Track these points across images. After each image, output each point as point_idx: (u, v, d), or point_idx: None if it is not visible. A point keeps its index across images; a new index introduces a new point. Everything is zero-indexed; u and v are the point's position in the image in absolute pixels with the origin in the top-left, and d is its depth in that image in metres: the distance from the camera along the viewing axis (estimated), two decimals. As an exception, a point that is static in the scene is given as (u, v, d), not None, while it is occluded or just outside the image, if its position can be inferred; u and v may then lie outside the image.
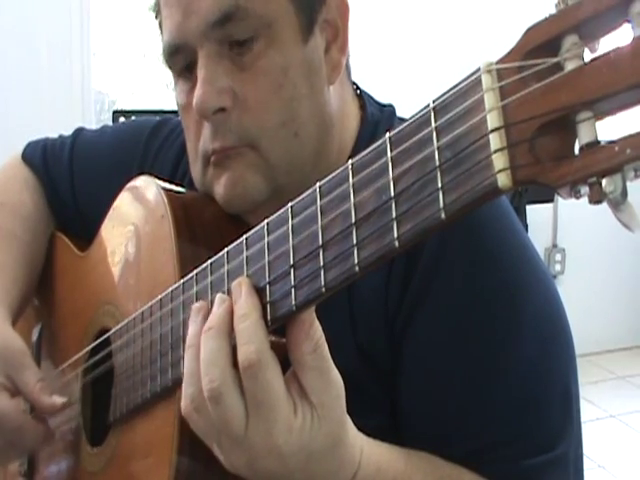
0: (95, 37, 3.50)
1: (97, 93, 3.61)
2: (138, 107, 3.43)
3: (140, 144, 1.03)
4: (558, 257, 3.95)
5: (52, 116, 3.33)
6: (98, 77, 3.58)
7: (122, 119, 2.54)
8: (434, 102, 0.47)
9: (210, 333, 0.61)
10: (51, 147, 1.12)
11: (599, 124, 0.40)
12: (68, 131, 1.15)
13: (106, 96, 3.77)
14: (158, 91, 3.71)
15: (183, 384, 0.64)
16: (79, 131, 1.14)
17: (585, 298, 3.77)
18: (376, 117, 0.87)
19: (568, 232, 3.99)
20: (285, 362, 0.75)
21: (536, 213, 3.44)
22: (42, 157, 1.11)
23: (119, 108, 3.38)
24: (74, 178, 1.08)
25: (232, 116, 0.77)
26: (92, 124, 3.54)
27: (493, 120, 0.42)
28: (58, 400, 0.88)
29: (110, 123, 2.56)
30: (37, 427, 0.90)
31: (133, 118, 2.51)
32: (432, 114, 0.47)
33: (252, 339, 0.59)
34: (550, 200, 3.55)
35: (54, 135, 1.17)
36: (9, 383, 0.89)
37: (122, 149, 1.05)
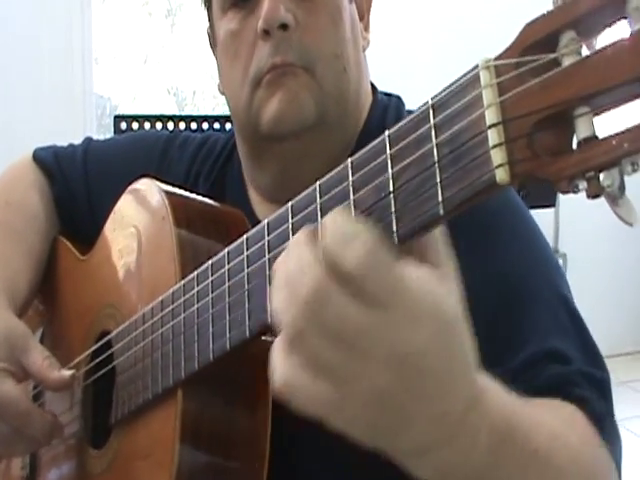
0: (97, 43, 3.51)
1: (99, 98, 3.63)
2: (139, 112, 3.43)
3: (156, 153, 1.06)
4: (559, 262, 3.96)
5: (54, 120, 3.34)
6: (100, 82, 3.60)
7: (123, 124, 2.55)
8: (432, 99, 0.47)
9: None
10: (63, 151, 1.14)
11: (596, 120, 0.41)
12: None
13: (108, 101, 3.78)
14: (159, 96, 3.72)
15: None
16: (89, 140, 1.16)
17: (586, 303, 3.75)
18: (385, 101, 0.94)
19: (569, 237, 3.99)
20: (261, 360, 0.75)
21: (537, 218, 3.42)
22: (54, 157, 1.12)
23: (120, 113, 3.39)
24: (89, 179, 1.09)
25: (293, 36, 0.83)
26: (93, 129, 3.55)
27: (491, 116, 0.43)
28: (66, 373, 0.88)
29: (112, 128, 2.58)
30: (44, 415, 0.90)
31: (135, 123, 2.53)
32: (431, 111, 0.47)
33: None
34: (552, 205, 3.55)
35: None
36: (15, 368, 0.89)
37: (137, 157, 1.07)
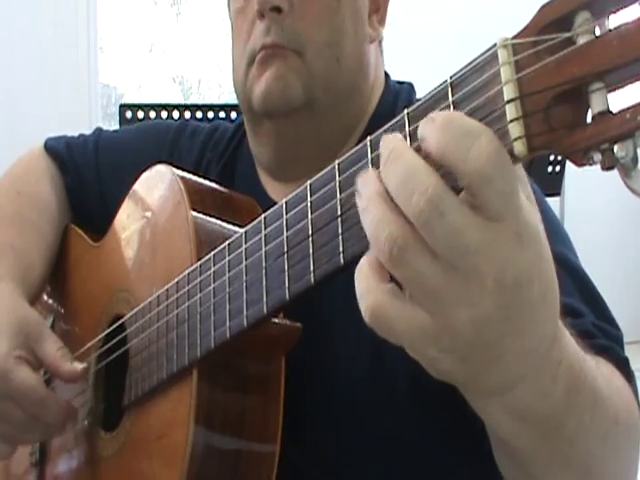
0: (102, 31, 3.52)
1: (104, 87, 3.63)
2: (145, 101, 3.44)
3: (166, 142, 1.07)
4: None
5: (59, 109, 3.35)
6: (105, 71, 3.60)
7: (129, 113, 2.56)
8: (451, 77, 0.48)
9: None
10: (74, 140, 1.15)
11: (610, 96, 0.42)
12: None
13: (113, 90, 3.79)
14: (165, 85, 3.73)
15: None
16: (100, 130, 1.18)
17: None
18: (397, 88, 0.95)
19: (575, 226, 4.00)
20: (275, 341, 0.76)
21: (542, 206, 3.43)
22: (66, 147, 1.14)
23: (126, 102, 3.40)
24: (100, 168, 1.11)
25: (286, 19, 0.85)
26: (99, 117, 3.56)
27: (509, 92, 0.44)
28: (79, 366, 0.90)
29: (117, 117, 2.58)
30: (59, 402, 0.91)
31: (140, 112, 2.53)
32: (449, 89, 0.48)
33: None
34: (557, 194, 3.54)
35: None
36: (30, 356, 0.91)
37: (148, 146, 1.08)
